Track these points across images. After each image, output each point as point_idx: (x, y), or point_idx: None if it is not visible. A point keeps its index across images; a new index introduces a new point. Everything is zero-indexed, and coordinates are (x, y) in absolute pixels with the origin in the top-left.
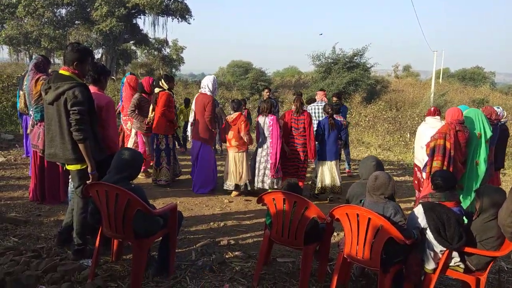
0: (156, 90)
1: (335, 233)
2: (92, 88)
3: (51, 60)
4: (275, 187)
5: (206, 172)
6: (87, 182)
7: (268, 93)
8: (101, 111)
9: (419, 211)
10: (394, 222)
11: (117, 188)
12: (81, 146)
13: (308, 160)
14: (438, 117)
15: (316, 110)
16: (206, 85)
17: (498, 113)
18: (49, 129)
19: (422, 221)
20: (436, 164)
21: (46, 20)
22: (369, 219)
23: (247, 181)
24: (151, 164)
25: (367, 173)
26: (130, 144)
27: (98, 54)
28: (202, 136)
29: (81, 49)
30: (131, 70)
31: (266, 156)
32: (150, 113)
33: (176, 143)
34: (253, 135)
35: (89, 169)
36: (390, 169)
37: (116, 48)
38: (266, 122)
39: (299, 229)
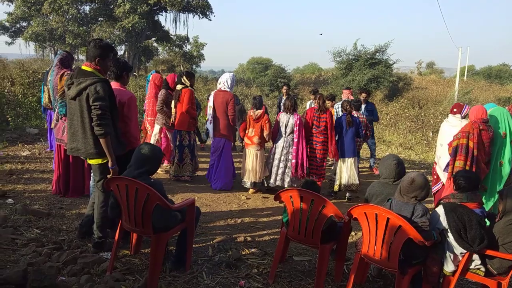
0: (179, 87)
1: (352, 233)
2: (114, 84)
3: (75, 57)
4: (294, 185)
5: (228, 168)
6: (108, 176)
7: (286, 90)
8: (123, 107)
9: (440, 211)
10: (415, 222)
11: (137, 182)
12: (102, 141)
13: (327, 158)
14: (458, 115)
15: (338, 109)
16: (225, 81)
17: None
18: (71, 124)
19: (443, 222)
20: (459, 164)
21: (70, 17)
22: (388, 219)
23: (264, 178)
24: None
25: (387, 172)
26: (152, 140)
27: (120, 50)
28: (225, 133)
29: (103, 45)
30: (153, 67)
31: (287, 154)
32: (172, 109)
33: (197, 138)
34: None
35: (109, 164)
36: (412, 168)
37: (138, 45)
38: (290, 120)
39: (316, 228)
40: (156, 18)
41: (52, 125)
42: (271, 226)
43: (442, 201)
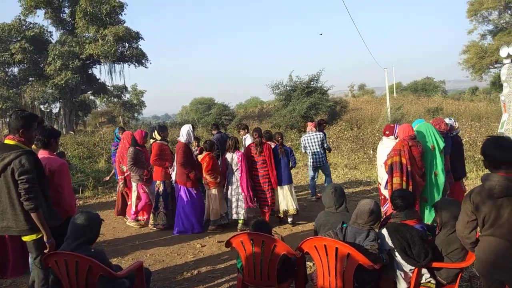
0: (151, 141)
1: (310, 263)
2: (43, 153)
3: (6, 120)
4: (249, 215)
5: (184, 213)
6: (45, 251)
7: (215, 132)
8: (54, 175)
9: (384, 232)
10: (362, 247)
11: (76, 255)
12: (33, 215)
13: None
14: (392, 137)
15: (309, 140)
16: (182, 133)
17: (448, 124)
18: None
19: (388, 242)
20: (396, 180)
21: None
22: (337, 248)
23: (222, 215)
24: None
25: (328, 201)
26: (133, 197)
27: (55, 108)
28: (180, 180)
29: (26, 116)
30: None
31: (237, 189)
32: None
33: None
34: None
35: (45, 238)
36: (358, 186)
37: (74, 100)
38: (234, 158)
39: (271, 268)
40: (90, 72)
41: None
42: (229, 271)
43: (383, 223)
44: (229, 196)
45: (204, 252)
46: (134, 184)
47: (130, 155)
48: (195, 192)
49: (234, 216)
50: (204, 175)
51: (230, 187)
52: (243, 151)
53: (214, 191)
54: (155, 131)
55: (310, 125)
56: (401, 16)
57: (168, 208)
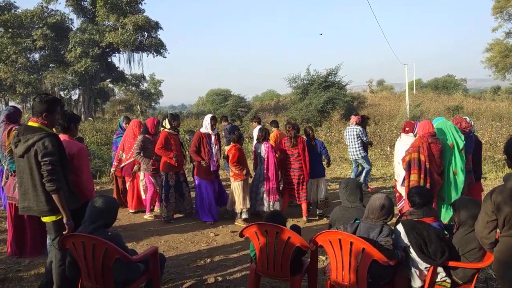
0: (161, 129)
1: (323, 257)
2: (63, 136)
3: (28, 105)
4: (271, 209)
5: (203, 201)
6: (64, 233)
7: (225, 123)
8: (73, 159)
9: (400, 229)
10: (377, 243)
11: (93, 238)
12: (54, 197)
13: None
14: (411, 134)
15: (347, 133)
16: (204, 123)
17: (468, 122)
18: (21, 182)
19: (404, 239)
20: (414, 177)
21: (19, 66)
22: (351, 243)
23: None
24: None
25: (341, 196)
26: (141, 185)
27: (75, 95)
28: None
29: (50, 100)
30: (110, 108)
31: (263, 181)
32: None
33: None
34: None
35: (64, 220)
36: (374, 183)
37: (93, 88)
38: (262, 149)
39: (284, 260)
40: (109, 60)
41: (2, 184)
42: (242, 261)
43: (400, 219)
44: (253, 188)
45: (218, 241)
46: (142, 174)
47: (138, 142)
48: (207, 182)
49: (260, 208)
50: (229, 165)
51: (256, 178)
52: (255, 142)
53: (238, 183)
54: (166, 120)
55: (352, 119)
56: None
57: (169, 201)
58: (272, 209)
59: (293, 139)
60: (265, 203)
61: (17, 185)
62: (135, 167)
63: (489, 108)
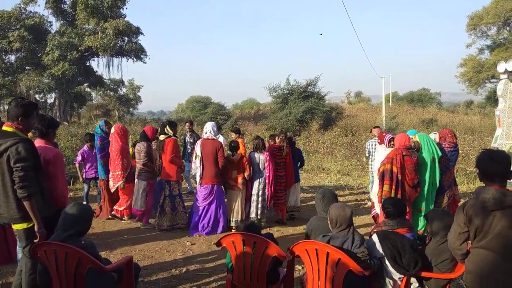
0: (162, 137)
1: (299, 267)
2: (39, 142)
3: (0, 108)
4: (271, 214)
5: (224, 212)
6: (35, 241)
7: (189, 126)
8: (48, 165)
9: (375, 240)
10: (352, 253)
11: (66, 246)
12: (26, 203)
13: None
14: (383, 145)
15: (372, 145)
16: (210, 130)
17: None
18: None
19: (379, 249)
20: (386, 188)
21: None
22: (328, 253)
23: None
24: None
25: (318, 207)
26: (140, 197)
27: (51, 98)
28: (215, 179)
29: (26, 104)
30: (86, 112)
31: (264, 188)
32: (158, 161)
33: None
34: None
35: (36, 227)
36: (351, 193)
37: (69, 92)
38: (261, 158)
39: (261, 270)
40: (88, 64)
41: None
42: (218, 271)
43: (375, 230)
44: (254, 196)
45: (194, 250)
46: (142, 183)
47: (144, 149)
48: (222, 190)
49: (258, 216)
50: (245, 175)
51: (255, 186)
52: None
53: (239, 192)
54: (167, 127)
55: (375, 131)
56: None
57: (175, 209)
58: (271, 215)
59: (285, 149)
60: (265, 211)
61: None
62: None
63: (462, 121)
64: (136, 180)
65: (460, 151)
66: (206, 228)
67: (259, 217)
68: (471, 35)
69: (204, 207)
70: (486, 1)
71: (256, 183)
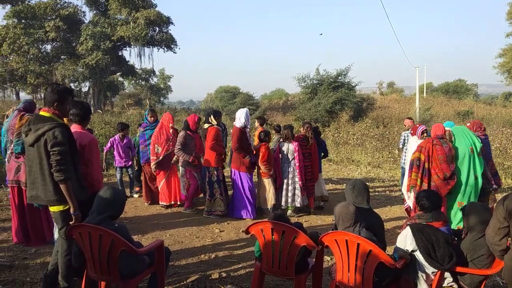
0: (206, 125)
1: (328, 258)
2: (75, 127)
3: (38, 96)
4: (305, 203)
5: (246, 196)
6: (70, 223)
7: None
8: (84, 150)
9: (407, 233)
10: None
11: (100, 229)
12: (62, 187)
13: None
14: (415, 137)
15: (406, 137)
16: (238, 118)
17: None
18: (30, 172)
19: (412, 243)
20: (413, 176)
21: (31, 56)
22: (358, 244)
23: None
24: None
25: (347, 198)
26: (182, 181)
27: (85, 87)
28: (236, 165)
29: (61, 90)
30: (119, 101)
31: (293, 178)
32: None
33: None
34: None
35: (71, 210)
36: (382, 186)
37: (103, 81)
38: (290, 148)
39: (290, 259)
40: (120, 53)
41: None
42: (246, 258)
43: (408, 223)
44: (284, 186)
45: (223, 237)
46: (182, 170)
47: (179, 138)
48: (249, 177)
49: (289, 205)
50: (259, 164)
51: (285, 176)
52: (279, 141)
53: (266, 181)
54: (211, 116)
55: (408, 122)
56: (437, 14)
57: (223, 194)
58: (305, 204)
59: (311, 139)
60: (299, 199)
61: (26, 174)
62: (174, 159)
63: (500, 114)
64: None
65: (498, 145)
66: (238, 211)
67: (289, 205)
68: (511, 24)
69: (236, 191)
70: None
71: (285, 173)
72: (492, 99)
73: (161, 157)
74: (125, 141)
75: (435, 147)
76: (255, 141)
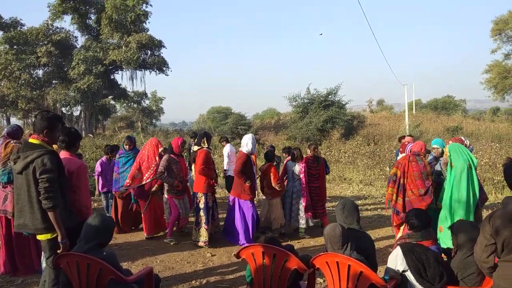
0: (195, 148)
1: (321, 280)
2: (64, 154)
3: (29, 121)
4: (311, 224)
5: (243, 223)
6: (58, 252)
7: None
8: (72, 176)
9: (398, 253)
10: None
11: (88, 257)
12: (50, 214)
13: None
14: (403, 154)
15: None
16: (246, 143)
17: (468, 144)
18: (18, 199)
19: (402, 263)
20: (389, 190)
21: (23, 82)
22: (349, 266)
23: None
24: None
25: (339, 218)
26: (165, 209)
27: (77, 111)
28: (236, 191)
29: (51, 117)
30: (111, 125)
31: (297, 198)
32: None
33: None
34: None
35: (59, 238)
36: (374, 203)
37: (94, 104)
38: (296, 168)
39: (281, 283)
40: (112, 77)
41: None
42: (238, 283)
43: (399, 242)
44: (287, 205)
45: (214, 261)
46: (165, 196)
47: (163, 162)
48: (251, 204)
49: (296, 224)
50: (273, 185)
51: (287, 194)
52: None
53: (276, 201)
54: (204, 139)
55: (408, 139)
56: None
57: (208, 223)
58: (311, 225)
59: (319, 160)
60: (302, 220)
61: (14, 202)
62: (154, 188)
63: (489, 129)
64: None
65: (487, 160)
66: (229, 235)
67: (297, 225)
68: (496, 40)
69: (231, 215)
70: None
71: (289, 192)
72: (480, 114)
73: (138, 184)
74: (111, 164)
75: (411, 164)
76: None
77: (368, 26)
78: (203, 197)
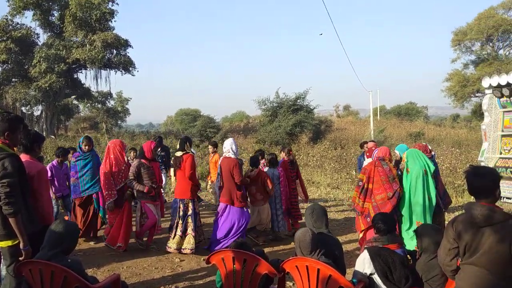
0: (179, 153)
1: (290, 283)
2: (24, 157)
3: None
4: (285, 228)
5: (235, 228)
6: (20, 259)
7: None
8: (33, 180)
9: (365, 256)
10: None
11: (52, 265)
12: (12, 220)
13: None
14: (370, 159)
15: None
16: (230, 149)
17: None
18: None
19: (370, 266)
20: (354, 194)
21: None
22: (318, 270)
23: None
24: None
25: (308, 222)
26: (137, 216)
27: (37, 111)
28: (228, 198)
29: (12, 119)
30: (73, 125)
31: (279, 203)
32: (172, 177)
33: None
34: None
35: (21, 245)
36: (341, 205)
37: (56, 104)
38: (275, 173)
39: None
40: (75, 76)
41: None
42: None
43: (365, 246)
44: (272, 210)
45: (183, 267)
46: (138, 203)
47: (132, 168)
48: (245, 210)
49: (281, 229)
50: (269, 189)
51: (274, 201)
52: (266, 168)
53: (266, 206)
54: (187, 143)
55: (371, 145)
56: (388, 40)
57: (185, 231)
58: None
59: (295, 163)
60: (284, 224)
61: None
62: (126, 194)
63: (449, 135)
64: None
65: (448, 164)
66: (221, 243)
67: (279, 230)
68: (456, 51)
69: (221, 223)
70: (470, 18)
71: (271, 198)
72: (441, 121)
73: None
74: (63, 167)
75: (377, 169)
76: (212, 168)
77: (335, 32)
78: (190, 203)
